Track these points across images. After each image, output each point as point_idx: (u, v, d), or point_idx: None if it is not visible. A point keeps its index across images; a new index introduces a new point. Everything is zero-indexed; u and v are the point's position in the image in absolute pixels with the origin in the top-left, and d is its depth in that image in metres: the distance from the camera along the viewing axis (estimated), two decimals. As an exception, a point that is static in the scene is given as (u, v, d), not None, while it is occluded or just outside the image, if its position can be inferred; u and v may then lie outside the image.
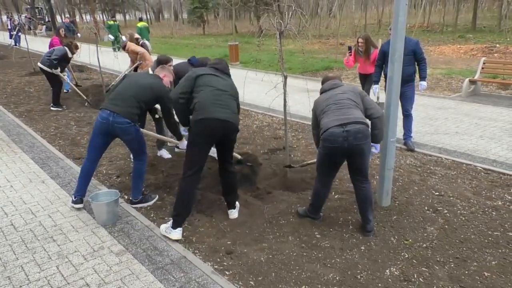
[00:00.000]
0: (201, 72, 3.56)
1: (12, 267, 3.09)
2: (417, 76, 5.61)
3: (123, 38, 8.88)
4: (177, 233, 3.42)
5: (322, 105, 3.51)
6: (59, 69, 7.80)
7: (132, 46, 7.33)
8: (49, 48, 8.98)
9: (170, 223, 3.48)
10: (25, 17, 34.94)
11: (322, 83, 3.78)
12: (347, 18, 28.40)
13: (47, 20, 34.68)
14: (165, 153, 5.39)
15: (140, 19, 20.49)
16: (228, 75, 3.69)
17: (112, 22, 19.69)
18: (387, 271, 3.04)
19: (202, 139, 3.37)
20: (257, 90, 9.31)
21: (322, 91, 3.67)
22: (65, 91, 9.35)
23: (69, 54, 7.94)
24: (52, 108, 8.17)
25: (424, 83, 5.61)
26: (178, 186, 3.45)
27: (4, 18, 29.81)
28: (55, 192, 4.39)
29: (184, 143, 3.65)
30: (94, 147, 3.87)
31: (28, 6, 39.55)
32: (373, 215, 3.59)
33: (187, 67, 4.97)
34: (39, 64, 7.88)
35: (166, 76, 4.13)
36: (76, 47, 7.97)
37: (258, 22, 22.85)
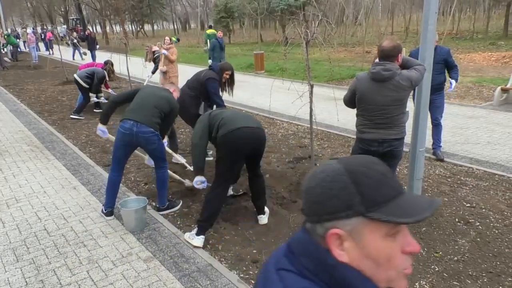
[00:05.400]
0: (214, 112, 3.70)
1: (45, 271, 3.20)
2: (446, 84, 5.50)
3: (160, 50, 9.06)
4: (199, 240, 3.46)
5: (365, 98, 3.27)
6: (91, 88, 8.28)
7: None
8: (88, 65, 8.89)
9: (194, 230, 3.54)
10: (65, 28, 36.44)
11: (379, 53, 3.22)
12: (373, 25, 28.12)
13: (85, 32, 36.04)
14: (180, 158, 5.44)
15: (210, 26, 20.94)
16: None
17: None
18: (416, 284, 2.96)
19: (234, 150, 3.42)
20: (282, 98, 9.32)
21: (372, 77, 3.20)
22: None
23: (107, 78, 8.68)
24: (72, 116, 8.37)
25: (453, 81, 5.47)
26: (205, 197, 3.54)
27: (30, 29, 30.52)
28: (85, 198, 4.52)
29: (195, 179, 3.58)
30: (118, 159, 3.93)
31: (62, 19, 41.28)
32: None
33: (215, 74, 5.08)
34: (75, 76, 8.12)
35: (175, 91, 4.28)
36: (113, 72, 9.12)
37: (283, 31, 22.93)
